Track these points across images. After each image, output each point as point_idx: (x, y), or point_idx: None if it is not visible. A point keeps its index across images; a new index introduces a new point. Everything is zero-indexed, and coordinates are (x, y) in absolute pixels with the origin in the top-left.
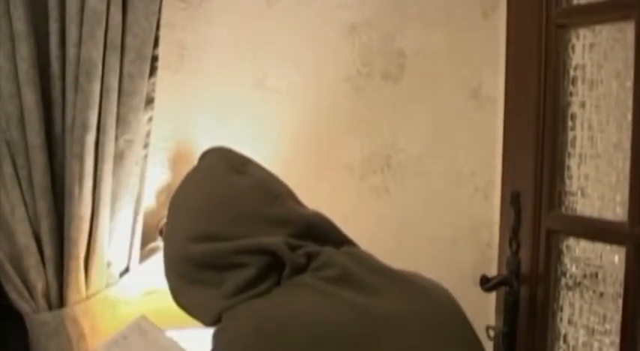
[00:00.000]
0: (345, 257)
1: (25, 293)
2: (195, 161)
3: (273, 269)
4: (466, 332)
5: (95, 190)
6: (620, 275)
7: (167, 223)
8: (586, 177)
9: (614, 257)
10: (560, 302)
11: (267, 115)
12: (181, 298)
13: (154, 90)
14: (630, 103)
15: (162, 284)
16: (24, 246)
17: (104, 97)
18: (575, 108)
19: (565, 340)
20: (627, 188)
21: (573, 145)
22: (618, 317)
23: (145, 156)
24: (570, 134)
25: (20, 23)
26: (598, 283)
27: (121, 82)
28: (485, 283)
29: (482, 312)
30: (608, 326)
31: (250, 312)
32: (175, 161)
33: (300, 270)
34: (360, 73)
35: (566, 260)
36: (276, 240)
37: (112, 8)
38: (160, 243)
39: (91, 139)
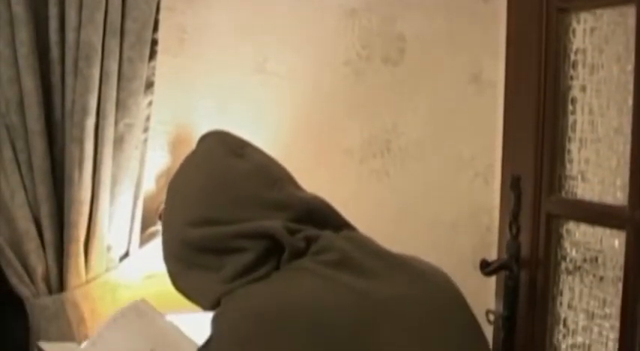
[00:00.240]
0: (344, 241)
1: (25, 278)
2: (194, 145)
3: (273, 253)
4: (466, 316)
5: (95, 175)
6: (620, 259)
7: (165, 207)
8: (586, 161)
9: (614, 241)
10: (560, 286)
11: (267, 98)
12: (180, 282)
13: (153, 74)
14: (631, 87)
15: (162, 268)
16: (24, 230)
17: (104, 82)
18: (575, 92)
19: (565, 324)
20: (627, 172)
21: (574, 129)
22: (618, 301)
23: (145, 140)
24: (571, 118)
25: (19, 8)
26: (598, 267)
27: (121, 66)
28: (485, 268)
29: (482, 296)
30: (608, 310)
31: (249, 296)
32: (175, 145)
33: (299, 254)
34: (360, 57)
35: (566, 244)
36: (275, 224)
37: None
38: (159, 227)
39: (90, 123)
